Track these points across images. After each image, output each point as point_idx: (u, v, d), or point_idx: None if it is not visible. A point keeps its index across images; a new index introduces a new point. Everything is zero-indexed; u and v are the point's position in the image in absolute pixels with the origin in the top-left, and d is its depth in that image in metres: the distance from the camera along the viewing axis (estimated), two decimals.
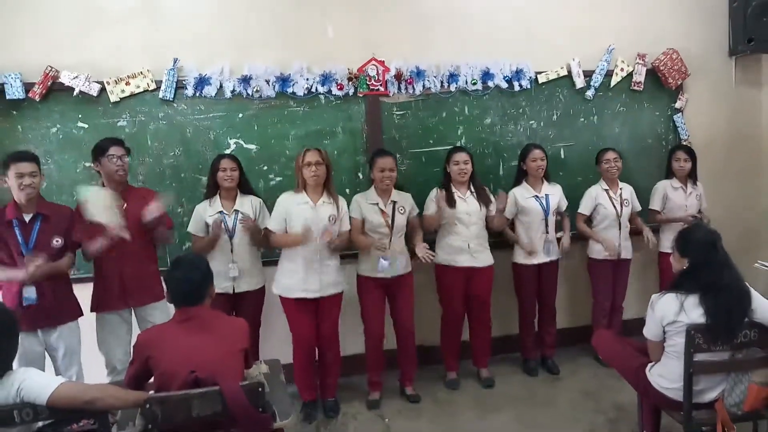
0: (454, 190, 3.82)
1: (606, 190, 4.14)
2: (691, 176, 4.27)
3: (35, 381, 2.04)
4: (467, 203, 3.81)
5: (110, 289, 3.27)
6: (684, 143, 4.61)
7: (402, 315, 3.78)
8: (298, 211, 3.44)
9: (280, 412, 2.31)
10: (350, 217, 3.63)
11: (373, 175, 3.66)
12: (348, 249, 3.70)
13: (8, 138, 3.61)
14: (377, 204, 3.64)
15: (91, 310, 3.31)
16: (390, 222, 3.62)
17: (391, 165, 3.61)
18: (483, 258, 3.88)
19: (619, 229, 4.12)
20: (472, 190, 3.86)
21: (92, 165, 3.31)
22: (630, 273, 4.30)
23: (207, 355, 2.25)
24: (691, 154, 4.25)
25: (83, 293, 3.31)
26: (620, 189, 4.17)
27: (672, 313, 2.60)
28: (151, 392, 2.23)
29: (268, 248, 3.72)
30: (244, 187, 3.64)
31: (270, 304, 3.73)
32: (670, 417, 2.77)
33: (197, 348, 2.27)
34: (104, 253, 3.14)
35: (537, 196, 4.00)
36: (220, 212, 3.51)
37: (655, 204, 4.29)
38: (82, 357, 3.26)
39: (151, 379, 2.32)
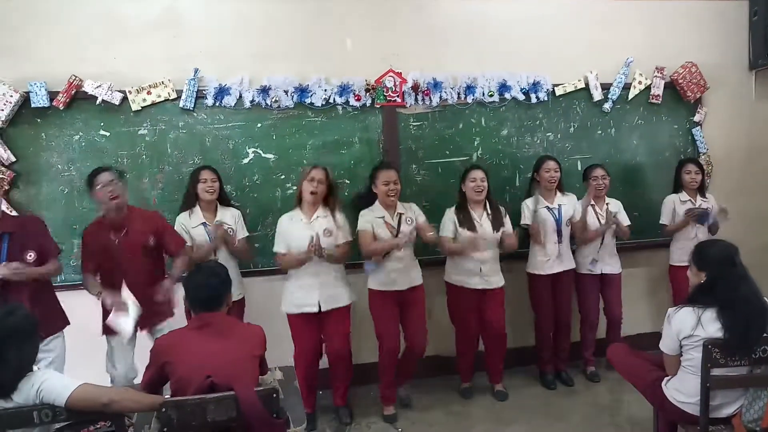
0: (471, 210, 3.80)
1: (592, 205, 4.11)
2: (700, 189, 4.24)
3: (55, 382, 2.08)
4: (483, 227, 3.77)
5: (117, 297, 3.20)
6: (702, 157, 4.59)
7: (414, 328, 3.72)
8: (293, 229, 3.45)
9: (294, 419, 2.33)
10: (359, 230, 3.60)
11: (376, 189, 3.64)
12: (358, 259, 3.68)
13: (33, 145, 3.69)
14: (383, 218, 3.62)
15: (102, 334, 3.26)
16: (396, 234, 3.59)
17: (395, 178, 3.60)
18: (495, 280, 3.85)
19: (601, 243, 4.10)
20: (488, 211, 3.82)
21: (90, 197, 3.27)
22: (640, 288, 4.25)
23: (223, 360, 2.27)
24: (700, 166, 4.23)
25: (71, 301, 3.30)
26: (606, 204, 4.15)
27: (689, 327, 2.57)
28: (167, 396, 2.26)
29: (248, 258, 3.74)
30: (223, 198, 3.65)
31: (260, 317, 3.70)
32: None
33: (213, 353, 2.29)
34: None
35: (549, 207, 4.00)
36: (203, 224, 3.51)
37: (665, 218, 4.26)
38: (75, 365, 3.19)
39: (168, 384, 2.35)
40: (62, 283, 3.53)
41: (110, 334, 3.24)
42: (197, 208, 3.55)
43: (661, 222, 4.27)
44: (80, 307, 3.28)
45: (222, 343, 2.34)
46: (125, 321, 2.94)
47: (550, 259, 4.03)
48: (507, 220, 3.88)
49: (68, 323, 3.23)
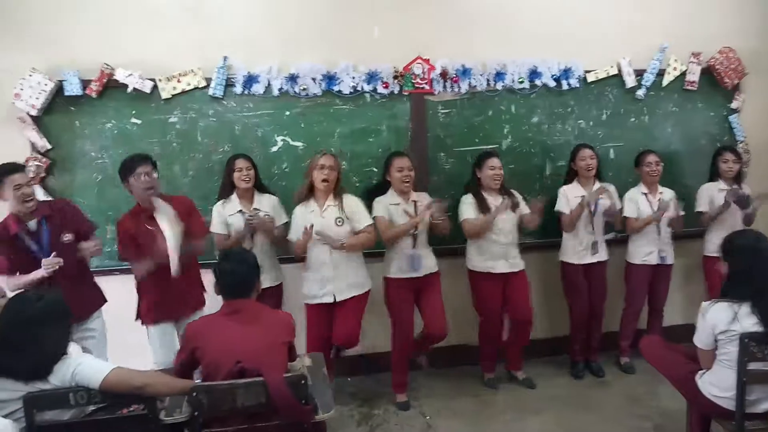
0: (486, 197, 3.78)
1: (645, 193, 4.04)
2: (737, 178, 4.14)
3: (90, 365, 2.13)
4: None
5: (158, 303, 3.26)
6: (740, 145, 4.47)
7: (433, 314, 3.72)
8: (307, 220, 3.43)
9: (322, 405, 2.34)
10: (375, 216, 3.60)
11: (389, 177, 3.65)
12: (374, 248, 3.66)
13: (67, 133, 3.75)
14: (399, 204, 3.63)
15: (136, 318, 3.33)
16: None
17: (409, 164, 3.61)
18: (518, 263, 3.87)
19: (659, 234, 4.02)
20: (503, 196, 3.80)
21: (123, 185, 3.30)
22: (674, 278, 4.17)
23: (252, 346, 2.30)
24: (738, 155, 4.12)
25: (104, 286, 3.37)
26: (660, 193, 4.07)
27: (725, 322, 2.52)
28: (198, 381, 2.30)
29: (283, 247, 3.70)
30: (260, 186, 3.67)
31: (287, 300, 3.74)
32: (721, 426, 2.69)
33: (243, 340, 2.32)
34: (149, 274, 3.15)
35: (585, 197, 3.94)
36: (240, 211, 3.53)
37: (702, 206, 4.13)
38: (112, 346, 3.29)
39: (199, 368, 2.38)
40: (96, 269, 3.58)
41: (145, 321, 3.32)
42: (234, 197, 3.57)
43: (697, 210, 4.16)
44: (112, 291, 3.37)
45: (251, 330, 2.36)
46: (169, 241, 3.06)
47: (584, 248, 3.98)
48: (522, 201, 3.87)
49: (106, 300, 3.30)
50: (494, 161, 3.78)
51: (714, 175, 4.18)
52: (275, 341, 2.40)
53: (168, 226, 3.09)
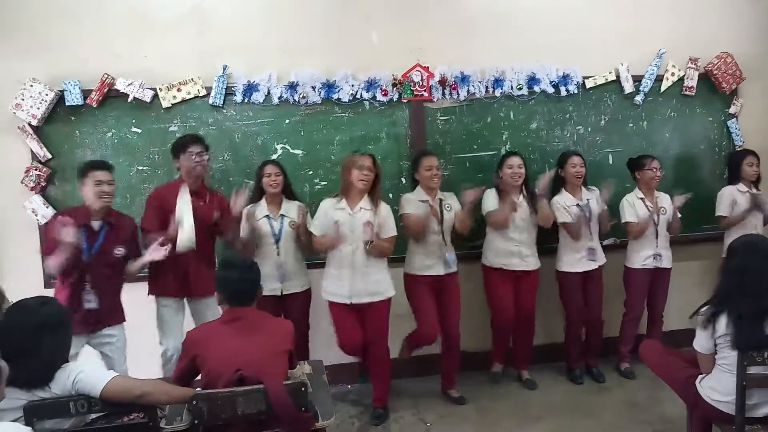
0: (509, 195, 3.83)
1: (641, 198, 4.05)
2: (756, 182, 4.18)
3: (90, 374, 2.13)
4: (522, 209, 3.83)
5: (170, 278, 3.37)
6: (738, 150, 4.47)
7: (449, 316, 3.77)
8: (336, 217, 3.46)
9: (323, 413, 2.34)
10: (403, 214, 3.66)
11: (418, 175, 3.71)
12: (395, 253, 3.68)
13: (68, 142, 3.77)
14: (427, 201, 3.67)
15: (150, 293, 3.42)
16: (439, 218, 3.65)
17: (437, 163, 3.69)
18: (533, 262, 3.92)
19: (656, 237, 4.03)
20: (525, 195, 3.87)
21: (174, 161, 3.47)
22: (673, 283, 4.17)
23: (253, 354, 2.30)
24: (759, 159, 4.16)
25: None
26: (656, 198, 4.07)
27: (723, 327, 2.52)
28: (198, 389, 2.30)
29: (312, 252, 3.74)
30: (289, 192, 3.71)
31: (315, 306, 3.77)
32: (722, 431, 2.68)
33: (243, 348, 2.32)
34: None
35: (579, 204, 3.96)
36: (267, 216, 3.58)
37: (723, 210, 4.13)
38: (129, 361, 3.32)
39: (199, 377, 2.38)
40: None
41: (158, 294, 3.42)
42: (262, 201, 3.62)
43: (718, 214, 4.15)
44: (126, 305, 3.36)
45: (252, 338, 2.37)
46: (184, 232, 3.18)
47: (581, 255, 3.99)
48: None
49: (125, 319, 3.32)
50: (513, 160, 3.83)
51: (733, 179, 4.19)
52: (276, 349, 2.40)
53: (185, 207, 3.22)
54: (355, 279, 3.49)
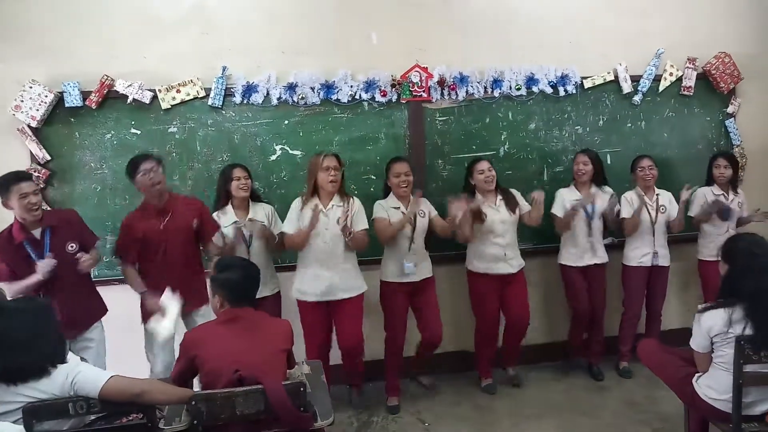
0: (482, 200, 3.80)
1: (641, 196, 4.07)
2: (732, 183, 4.17)
3: (87, 374, 2.13)
4: (499, 212, 3.81)
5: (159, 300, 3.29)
6: (736, 149, 4.49)
7: (428, 320, 3.78)
8: (306, 215, 3.44)
9: (321, 413, 2.35)
10: (375, 218, 3.67)
11: (390, 182, 3.71)
12: (371, 255, 3.74)
13: (67, 144, 3.78)
14: (399, 208, 3.67)
15: (143, 323, 3.28)
16: (413, 225, 3.64)
17: (406, 169, 3.66)
18: (517, 263, 3.90)
19: (653, 235, 4.04)
20: (501, 196, 3.86)
21: (133, 184, 3.33)
22: (670, 282, 4.19)
23: (251, 354, 2.31)
24: (732, 161, 4.16)
25: (103, 296, 3.39)
26: (656, 195, 4.09)
27: (720, 325, 2.53)
28: (197, 389, 2.31)
29: (277, 255, 3.76)
30: (254, 195, 3.69)
31: (295, 310, 3.72)
32: (719, 429, 2.70)
33: (242, 348, 2.34)
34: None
35: (579, 200, 3.96)
36: (235, 222, 3.51)
37: (694, 210, 4.17)
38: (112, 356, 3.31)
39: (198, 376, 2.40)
40: (94, 279, 3.58)
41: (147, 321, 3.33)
42: (229, 207, 3.59)
43: (689, 214, 4.19)
44: (109, 301, 3.38)
45: (250, 338, 2.38)
46: (165, 325, 2.95)
47: (582, 251, 4.02)
48: (521, 200, 3.91)
49: (107, 310, 3.32)
50: (481, 165, 3.82)
51: (710, 180, 4.21)
52: (274, 349, 2.41)
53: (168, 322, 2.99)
54: (333, 276, 3.49)
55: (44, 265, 2.94)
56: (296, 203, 3.55)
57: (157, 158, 3.35)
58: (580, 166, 3.99)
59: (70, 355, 2.26)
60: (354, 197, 3.63)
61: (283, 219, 3.62)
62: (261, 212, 3.64)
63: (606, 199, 4.04)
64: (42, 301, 2.29)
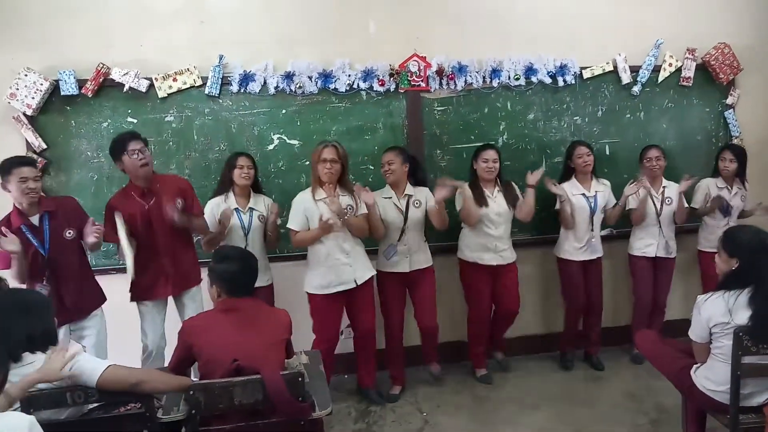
0: (483, 188, 3.81)
1: (646, 186, 4.06)
2: (739, 176, 4.16)
3: (85, 364, 2.13)
4: (497, 203, 3.82)
5: (151, 280, 3.32)
6: (735, 140, 4.48)
7: (424, 310, 3.79)
8: (315, 208, 3.44)
9: (319, 403, 2.34)
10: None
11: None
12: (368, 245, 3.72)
13: (63, 133, 3.75)
14: (390, 198, 3.67)
15: (131, 300, 3.36)
16: (404, 215, 3.64)
17: (390, 158, 3.66)
18: (508, 255, 3.89)
19: (659, 226, 4.04)
20: (500, 188, 3.86)
21: (115, 164, 3.31)
22: (675, 273, 4.20)
23: (249, 344, 2.31)
24: (738, 154, 4.14)
25: (104, 284, 3.39)
26: (663, 187, 4.08)
27: (719, 315, 2.53)
28: (195, 379, 2.30)
29: (273, 247, 3.75)
30: (257, 186, 3.69)
31: (287, 301, 3.68)
32: (716, 420, 2.70)
33: (240, 337, 2.33)
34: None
35: (585, 195, 3.97)
36: (236, 209, 3.53)
37: (697, 201, 4.18)
38: (110, 345, 3.32)
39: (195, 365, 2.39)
40: (93, 268, 3.57)
41: (140, 300, 3.38)
42: (231, 194, 3.58)
43: (691, 205, 4.19)
44: (107, 290, 3.37)
45: (249, 328, 2.37)
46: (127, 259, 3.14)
47: (582, 246, 4.01)
48: (519, 193, 3.91)
49: (105, 299, 3.32)
50: (487, 153, 3.80)
51: (716, 172, 4.21)
52: (272, 339, 2.41)
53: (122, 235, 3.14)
54: (352, 262, 3.50)
55: (7, 242, 2.91)
56: (299, 198, 3.52)
57: (143, 138, 3.32)
58: (584, 158, 3.96)
59: (71, 343, 2.24)
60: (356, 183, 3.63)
61: (283, 214, 3.62)
62: (261, 203, 3.64)
63: (608, 193, 4.05)
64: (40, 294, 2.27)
